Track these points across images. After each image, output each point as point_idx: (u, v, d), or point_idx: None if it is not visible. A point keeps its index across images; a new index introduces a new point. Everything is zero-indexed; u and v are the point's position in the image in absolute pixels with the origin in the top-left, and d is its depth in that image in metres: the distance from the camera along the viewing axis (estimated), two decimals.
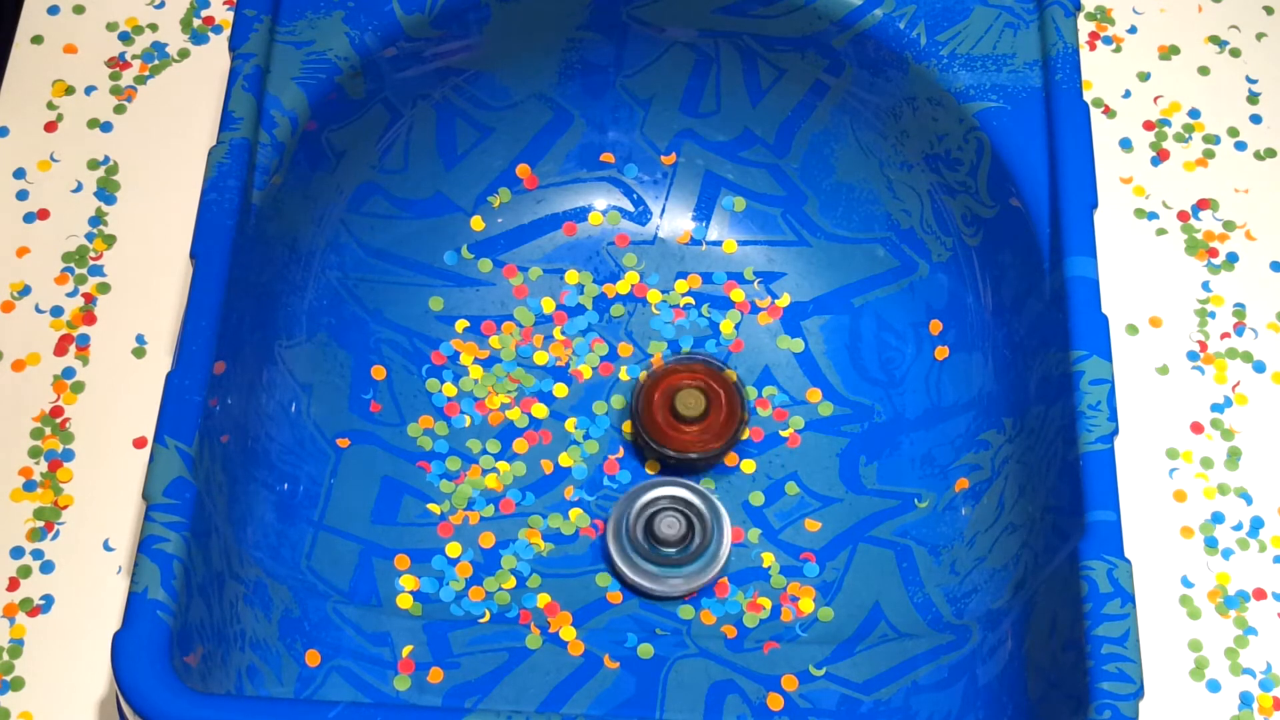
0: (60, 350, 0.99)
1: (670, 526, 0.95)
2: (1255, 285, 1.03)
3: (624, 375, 1.01)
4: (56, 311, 1.00)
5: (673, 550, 0.95)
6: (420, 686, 0.92)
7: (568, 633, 0.94)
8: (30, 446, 0.96)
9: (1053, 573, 0.85)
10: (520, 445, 0.99)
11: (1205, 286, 1.03)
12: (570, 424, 1.00)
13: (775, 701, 0.92)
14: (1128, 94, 1.09)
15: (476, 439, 0.99)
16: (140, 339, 0.99)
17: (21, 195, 1.03)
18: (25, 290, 1.00)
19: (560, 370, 1.01)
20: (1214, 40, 1.11)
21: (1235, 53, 1.10)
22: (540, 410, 1.00)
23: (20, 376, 0.98)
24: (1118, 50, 1.10)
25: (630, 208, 1.05)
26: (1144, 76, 1.10)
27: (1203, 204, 1.06)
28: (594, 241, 1.04)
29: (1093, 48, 1.10)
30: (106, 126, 1.05)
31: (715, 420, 0.98)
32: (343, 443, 0.97)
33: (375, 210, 1.01)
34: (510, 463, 0.99)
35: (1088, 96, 1.08)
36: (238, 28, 0.93)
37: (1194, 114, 1.08)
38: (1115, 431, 0.85)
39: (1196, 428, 0.99)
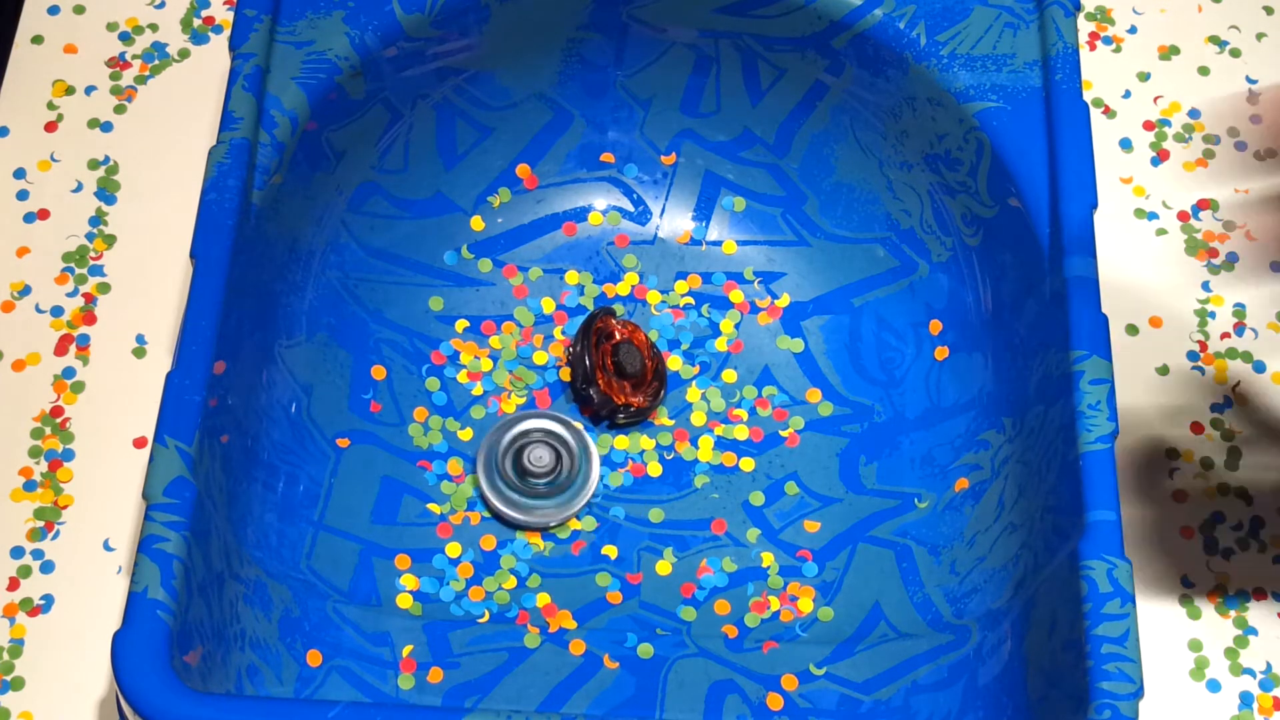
0: (60, 350, 0.99)
1: (539, 460, 0.96)
2: (1255, 285, 1.03)
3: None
4: (56, 311, 1.00)
5: (541, 482, 0.96)
6: (420, 686, 0.92)
7: (568, 632, 0.94)
8: (30, 446, 0.96)
9: (1052, 573, 0.85)
10: None
11: (1205, 286, 1.03)
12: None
13: (775, 701, 0.92)
14: (1128, 94, 1.09)
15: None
16: (140, 339, 0.99)
17: (21, 195, 1.03)
18: (25, 290, 1.00)
19: (560, 371, 1.01)
20: (1214, 40, 1.11)
21: (1235, 53, 1.10)
22: None
23: (20, 376, 0.98)
24: (1118, 50, 1.10)
25: (630, 208, 1.05)
26: (1144, 76, 1.09)
27: (1203, 204, 1.05)
28: (594, 241, 1.04)
29: (1093, 48, 1.10)
30: (106, 126, 1.05)
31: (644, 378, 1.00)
32: (343, 443, 0.97)
33: (375, 210, 1.01)
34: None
35: (1088, 96, 1.08)
36: (238, 28, 0.93)
37: (1194, 114, 1.08)
38: (1115, 431, 0.85)
39: (1196, 428, 0.99)
